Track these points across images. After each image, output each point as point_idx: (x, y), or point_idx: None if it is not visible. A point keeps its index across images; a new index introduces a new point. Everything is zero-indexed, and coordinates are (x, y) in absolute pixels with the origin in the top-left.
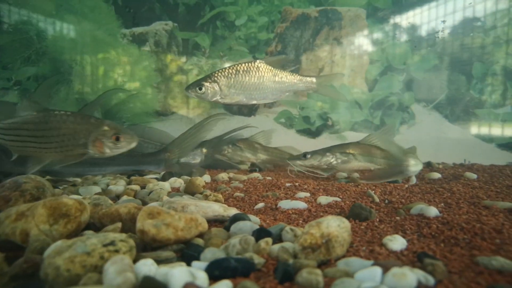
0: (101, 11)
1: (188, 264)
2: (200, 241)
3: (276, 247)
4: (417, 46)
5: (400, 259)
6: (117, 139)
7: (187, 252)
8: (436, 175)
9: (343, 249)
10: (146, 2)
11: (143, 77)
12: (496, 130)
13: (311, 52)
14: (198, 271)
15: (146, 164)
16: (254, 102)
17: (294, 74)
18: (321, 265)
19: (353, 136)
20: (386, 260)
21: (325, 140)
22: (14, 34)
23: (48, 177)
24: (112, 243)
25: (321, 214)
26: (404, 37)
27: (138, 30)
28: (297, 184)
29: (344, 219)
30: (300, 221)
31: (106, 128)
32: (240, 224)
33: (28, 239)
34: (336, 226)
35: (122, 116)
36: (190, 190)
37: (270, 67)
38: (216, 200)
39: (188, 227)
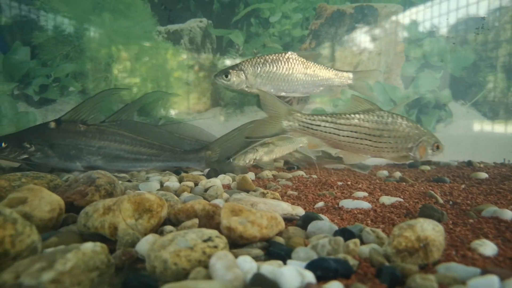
0: (137, 9)
1: (284, 263)
2: (280, 240)
3: (365, 248)
4: (456, 43)
5: (499, 266)
6: (437, 147)
7: (273, 250)
8: (483, 175)
9: (439, 253)
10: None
11: (178, 75)
12: None
13: (345, 49)
14: (305, 271)
15: (187, 161)
16: (283, 94)
17: (329, 68)
18: (419, 269)
19: None
20: (493, 267)
21: None
22: (53, 32)
23: None
24: (210, 239)
25: (388, 214)
26: (442, 34)
27: (173, 27)
28: (349, 183)
29: (437, 222)
30: (369, 222)
31: (429, 136)
32: (318, 224)
33: (116, 232)
34: (432, 230)
35: (156, 113)
36: (243, 188)
37: (301, 59)
38: (274, 198)
39: (271, 225)
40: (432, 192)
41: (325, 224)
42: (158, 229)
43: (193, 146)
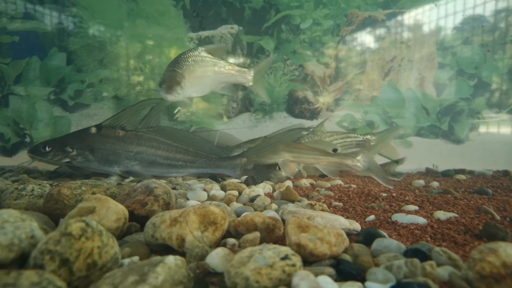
0: (170, 16)
1: (363, 284)
2: (347, 257)
3: (441, 271)
4: (491, 50)
5: None
6: None
7: (343, 269)
8: None
9: None
10: (213, 6)
11: None
12: None
13: (377, 55)
14: None
15: (222, 168)
16: (195, 95)
17: (232, 64)
18: None
19: (419, 142)
20: None
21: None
22: (88, 38)
23: (131, 177)
24: (287, 256)
25: (446, 231)
26: (476, 41)
27: (204, 33)
28: (394, 194)
29: None
30: (428, 239)
31: None
32: (384, 242)
33: (183, 244)
34: None
35: (186, 118)
36: (288, 198)
37: (211, 57)
38: (322, 210)
39: (339, 243)
40: (486, 207)
41: (392, 242)
42: (220, 242)
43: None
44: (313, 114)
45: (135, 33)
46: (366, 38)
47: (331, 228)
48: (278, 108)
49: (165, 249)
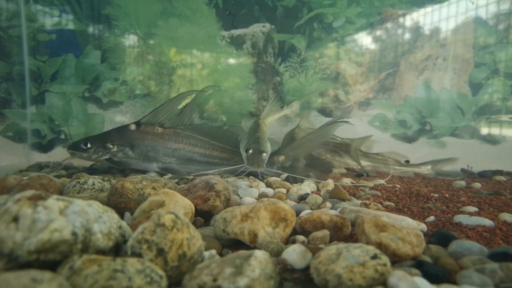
0: (202, 14)
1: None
2: (427, 258)
3: None
4: None
5: None
6: None
7: (427, 270)
8: None
9: None
10: (245, 5)
11: (239, 79)
12: None
13: (410, 54)
14: None
15: None
16: None
17: None
18: None
19: (453, 142)
20: None
21: (422, 146)
22: (122, 37)
23: (169, 174)
24: (376, 256)
25: None
26: None
27: (236, 32)
28: (446, 195)
29: None
30: (500, 242)
31: None
32: (465, 244)
33: (256, 239)
34: None
35: (218, 116)
36: (337, 196)
37: None
38: (378, 209)
39: (419, 243)
40: None
41: (474, 245)
42: (289, 238)
43: None
44: (344, 113)
45: (168, 32)
46: (399, 37)
47: (410, 229)
48: (309, 107)
49: (234, 244)
